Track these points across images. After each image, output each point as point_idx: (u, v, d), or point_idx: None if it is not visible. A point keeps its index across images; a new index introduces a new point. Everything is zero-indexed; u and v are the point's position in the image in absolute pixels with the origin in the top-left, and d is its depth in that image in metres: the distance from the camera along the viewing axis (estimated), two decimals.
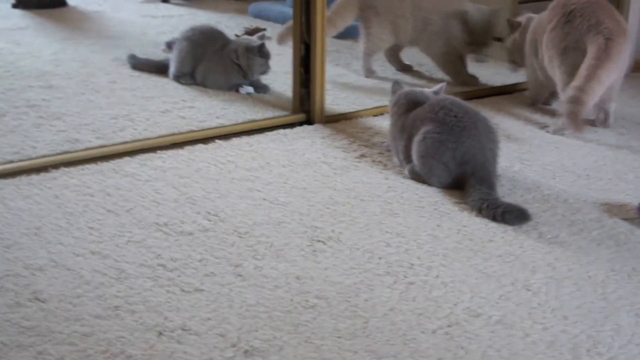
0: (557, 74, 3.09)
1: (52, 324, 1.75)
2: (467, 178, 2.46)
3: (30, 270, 1.97)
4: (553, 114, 3.36)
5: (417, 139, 2.54)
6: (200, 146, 2.82)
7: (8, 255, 2.03)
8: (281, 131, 3.02)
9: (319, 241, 2.17)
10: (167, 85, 3.55)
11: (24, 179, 2.49)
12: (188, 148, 2.80)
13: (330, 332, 1.76)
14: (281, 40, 3.86)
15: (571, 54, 3.02)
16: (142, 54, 3.91)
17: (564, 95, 2.96)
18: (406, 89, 2.76)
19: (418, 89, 2.78)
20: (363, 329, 1.78)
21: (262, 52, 3.48)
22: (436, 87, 2.75)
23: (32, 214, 2.26)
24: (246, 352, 1.69)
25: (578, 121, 2.91)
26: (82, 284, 1.92)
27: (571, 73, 2.99)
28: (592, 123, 3.20)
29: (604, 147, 2.98)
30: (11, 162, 2.60)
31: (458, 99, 2.61)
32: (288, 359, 1.67)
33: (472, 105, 2.64)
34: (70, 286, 1.91)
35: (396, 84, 2.80)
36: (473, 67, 3.88)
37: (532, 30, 3.27)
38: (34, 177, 2.51)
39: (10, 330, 1.73)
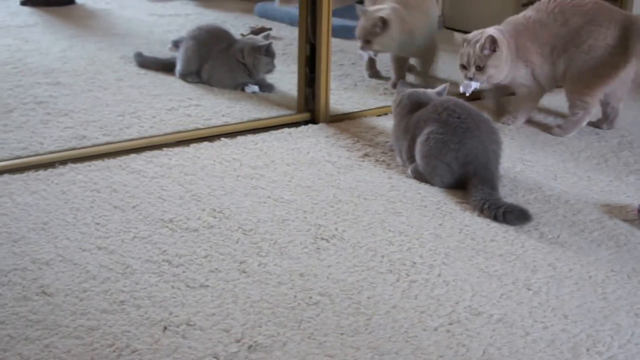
0: (576, 74, 3.06)
1: (58, 318, 1.78)
2: (470, 178, 2.48)
3: (37, 265, 1.99)
4: (555, 114, 3.38)
5: (420, 139, 2.57)
6: (205, 144, 2.85)
7: (15, 249, 2.06)
8: (286, 130, 3.04)
9: (322, 239, 2.19)
10: (173, 84, 3.57)
11: (31, 174, 2.52)
12: (194, 146, 2.82)
13: (333, 329, 1.79)
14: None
15: (599, 52, 3.03)
16: (149, 52, 3.93)
17: None
18: (409, 89, 2.78)
19: (421, 89, 2.80)
20: (365, 326, 1.80)
21: (268, 52, 3.50)
22: (439, 87, 2.77)
23: (39, 209, 2.29)
24: (250, 347, 1.71)
25: None
26: (89, 278, 1.95)
27: (597, 72, 3.01)
28: (595, 124, 3.21)
29: (605, 149, 3.00)
30: (19, 157, 2.63)
31: (461, 101, 2.63)
32: (291, 355, 1.69)
33: (475, 106, 2.66)
34: (76, 281, 1.93)
35: (402, 84, 2.83)
36: None
37: (523, 35, 3.15)
38: (42, 173, 2.53)
39: (18, 323, 1.76)
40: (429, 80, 3.64)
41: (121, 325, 1.77)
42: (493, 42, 2.99)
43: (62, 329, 1.74)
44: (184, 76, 3.61)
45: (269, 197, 2.43)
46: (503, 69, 3.07)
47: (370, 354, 1.70)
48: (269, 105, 3.33)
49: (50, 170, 2.56)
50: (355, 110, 3.31)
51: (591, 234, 2.29)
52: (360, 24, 3.51)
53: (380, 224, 2.30)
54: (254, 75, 3.53)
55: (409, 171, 2.64)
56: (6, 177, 2.49)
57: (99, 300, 1.85)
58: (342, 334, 1.77)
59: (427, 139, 2.54)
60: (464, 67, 3.06)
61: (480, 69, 3.02)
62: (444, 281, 2.00)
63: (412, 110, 2.69)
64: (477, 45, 3.00)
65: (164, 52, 3.99)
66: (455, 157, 2.50)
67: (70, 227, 2.19)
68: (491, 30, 3.07)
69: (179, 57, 3.66)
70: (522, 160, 2.85)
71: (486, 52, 3.00)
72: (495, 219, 2.34)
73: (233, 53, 3.53)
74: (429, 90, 2.77)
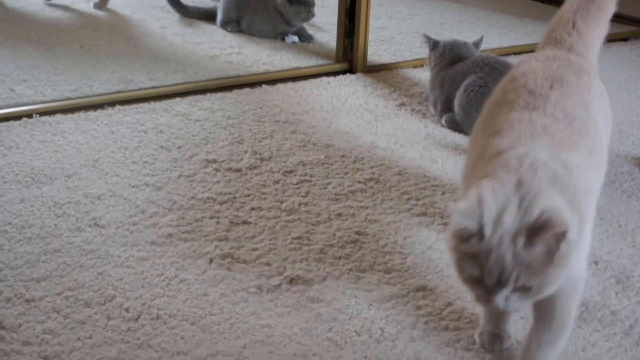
0: None
1: (110, 248, 1.87)
2: None
3: (89, 199, 2.09)
4: None
5: (460, 91, 2.62)
6: (247, 90, 2.91)
7: (69, 184, 2.15)
8: (324, 79, 3.09)
9: (360, 182, 2.26)
10: (215, 32, 3.63)
11: (81, 114, 2.60)
12: (236, 91, 2.88)
13: (371, 266, 1.86)
14: None
15: None
16: (191, 2, 3.97)
17: None
18: (448, 40, 2.83)
19: (462, 40, 2.84)
20: (401, 264, 1.87)
21: (299, 2, 3.53)
22: (476, 38, 2.82)
23: (90, 147, 2.37)
24: (291, 280, 1.79)
25: None
26: (138, 212, 2.04)
27: None
28: None
29: (636, 104, 3.03)
30: (69, 98, 2.71)
31: (502, 58, 2.68)
32: (331, 289, 1.77)
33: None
34: (126, 214, 2.02)
35: (426, 36, 2.87)
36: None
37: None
38: (91, 114, 2.61)
39: (73, 252, 1.85)
40: None
41: (169, 256, 1.86)
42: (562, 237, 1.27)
43: (114, 259, 1.83)
44: (224, 25, 3.66)
45: (308, 141, 2.50)
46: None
47: (406, 290, 1.78)
48: (308, 54, 3.38)
49: (99, 111, 2.64)
50: (392, 61, 3.36)
51: (622, 185, 2.34)
52: None
53: (416, 169, 2.36)
54: (291, 24, 3.56)
55: (443, 121, 2.70)
56: (58, 116, 2.57)
57: (148, 233, 1.94)
58: (378, 271, 1.85)
59: (467, 90, 2.59)
60: (479, 282, 1.33)
61: (526, 290, 1.32)
62: None
63: (451, 63, 2.74)
64: (520, 242, 1.28)
65: (205, 2, 4.03)
66: None
67: (120, 165, 2.28)
68: (553, 200, 1.33)
69: (220, 6, 3.71)
70: None
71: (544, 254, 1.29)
72: None
73: (272, 2, 3.57)
74: (468, 42, 2.81)
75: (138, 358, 1.54)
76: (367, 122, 2.69)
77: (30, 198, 2.07)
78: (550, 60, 1.74)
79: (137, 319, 1.64)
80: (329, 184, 2.24)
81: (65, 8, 3.89)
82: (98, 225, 1.96)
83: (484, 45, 2.91)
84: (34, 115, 2.55)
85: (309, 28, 3.67)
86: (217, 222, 2.01)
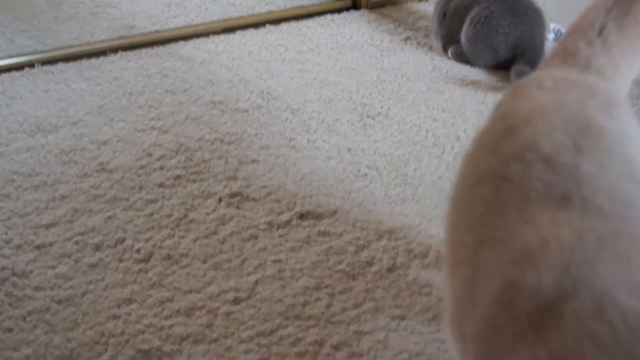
0: None
1: (119, 192, 1.87)
2: (515, 59, 2.50)
3: (95, 145, 2.07)
4: None
5: (466, 24, 2.58)
6: (251, 31, 2.86)
7: (74, 131, 2.14)
8: (328, 16, 3.04)
9: (368, 116, 2.24)
10: None
11: (84, 62, 2.56)
12: (239, 33, 2.84)
13: (382, 198, 1.85)
14: None
15: None
16: None
17: None
18: None
19: None
20: (412, 195, 1.86)
21: None
22: None
23: (94, 94, 2.35)
24: (302, 215, 1.79)
25: None
26: (145, 156, 2.02)
27: None
28: None
29: None
30: (71, 46, 2.68)
31: None
32: (341, 222, 1.76)
33: None
34: (133, 158, 2.01)
35: None
36: None
37: None
38: (94, 61, 2.57)
39: (81, 197, 1.85)
40: None
41: (178, 198, 1.85)
42: None
43: (122, 202, 1.83)
44: None
45: (314, 79, 2.47)
46: None
47: (418, 220, 1.77)
48: None
49: (102, 58, 2.60)
50: None
51: (632, 109, 2.31)
52: None
53: (424, 102, 2.33)
54: None
55: (450, 53, 2.66)
56: (60, 65, 2.54)
57: (156, 176, 1.93)
58: (390, 202, 1.84)
59: (472, 22, 2.55)
60: None
61: None
62: None
63: None
64: None
65: None
66: (505, 41, 2.50)
67: (125, 110, 2.26)
68: None
69: None
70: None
71: None
72: None
73: None
74: None
75: (151, 297, 1.54)
76: (373, 57, 2.65)
77: (36, 147, 2.06)
78: (563, 90, 1.10)
79: (148, 260, 1.64)
80: (337, 120, 2.21)
81: None
82: (105, 170, 1.96)
83: None
84: (36, 64, 2.52)
85: None
86: (226, 162, 2.00)
